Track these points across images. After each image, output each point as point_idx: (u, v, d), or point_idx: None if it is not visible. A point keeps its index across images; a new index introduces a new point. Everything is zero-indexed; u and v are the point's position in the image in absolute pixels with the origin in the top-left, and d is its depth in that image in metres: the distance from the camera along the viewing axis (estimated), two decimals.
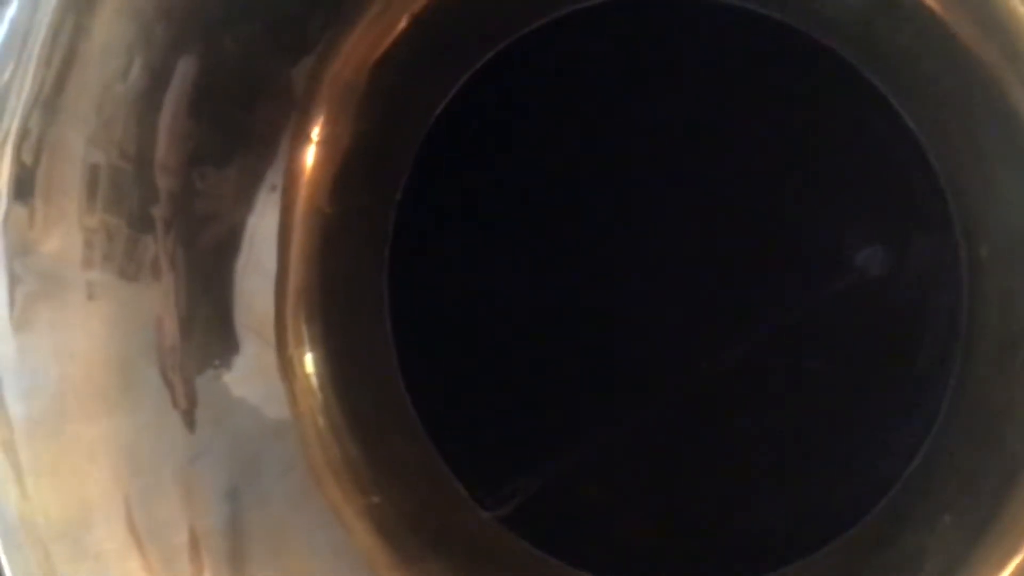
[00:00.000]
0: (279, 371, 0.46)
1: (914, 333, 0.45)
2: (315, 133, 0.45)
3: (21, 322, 0.39)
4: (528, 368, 0.51)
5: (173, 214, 0.42)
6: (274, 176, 0.45)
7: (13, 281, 0.39)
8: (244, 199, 0.44)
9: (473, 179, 0.50)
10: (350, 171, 0.46)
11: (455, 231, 0.50)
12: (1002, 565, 0.33)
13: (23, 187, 0.39)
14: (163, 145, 0.41)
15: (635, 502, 0.50)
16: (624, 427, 0.50)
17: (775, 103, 0.48)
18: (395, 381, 0.49)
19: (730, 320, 0.50)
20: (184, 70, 0.40)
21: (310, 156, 0.46)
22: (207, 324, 0.43)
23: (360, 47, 0.45)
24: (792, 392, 0.49)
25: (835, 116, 0.45)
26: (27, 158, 0.38)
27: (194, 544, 0.41)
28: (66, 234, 0.40)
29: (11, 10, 0.38)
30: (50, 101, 0.38)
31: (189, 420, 0.42)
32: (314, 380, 0.47)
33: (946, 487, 0.38)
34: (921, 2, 0.34)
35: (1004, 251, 0.36)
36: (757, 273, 0.49)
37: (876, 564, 0.39)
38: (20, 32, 0.37)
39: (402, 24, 0.45)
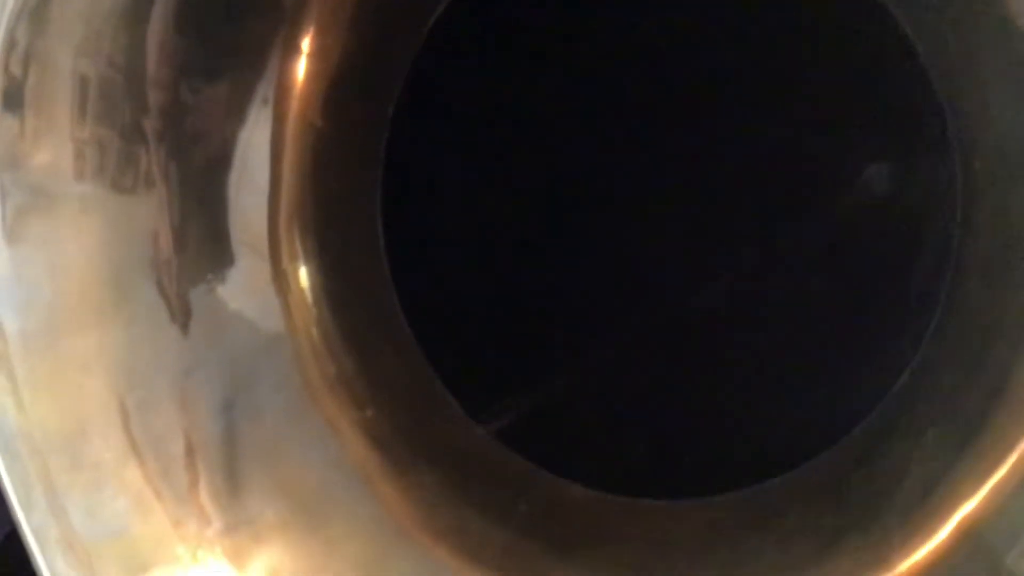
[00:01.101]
0: (273, 285, 0.45)
1: (910, 250, 0.44)
2: (306, 46, 0.44)
3: (13, 236, 0.39)
4: (523, 284, 0.51)
5: (165, 127, 0.41)
6: (265, 89, 0.44)
7: (3, 195, 0.39)
8: (235, 113, 0.44)
9: (467, 94, 0.49)
10: (342, 85, 0.45)
11: (449, 146, 0.50)
12: (984, 479, 0.33)
13: (12, 99, 0.38)
14: (152, 57, 0.40)
15: (627, 417, 0.50)
16: (618, 343, 0.50)
17: (772, 16, 0.46)
18: (389, 295, 0.48)
19: (726, 239, 0.49)
20: None
21: (301, 69, 0.45)
22: (201, 237, 0.43)
23: None
24: (785, 310, 0.49)
25: (834, 28, 0.44)
26: (15, 70, 0.38)
27: (190, 454, 0.42)
28: (57, 146, 0.39)
29: None
30: (37, 12, 0.37)
31: (184, 333, 0.42)
32: (308, 294, 0.46)
33: (932, 402, 0.38)
34: None
35: (997, 167, 0.35)
36: (754, 191, 0.48)
37: (863, 475, 0.39)
38: None
39: None
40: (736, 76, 0.48)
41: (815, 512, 0.39)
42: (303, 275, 0.46)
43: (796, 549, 0.38)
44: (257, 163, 0.45)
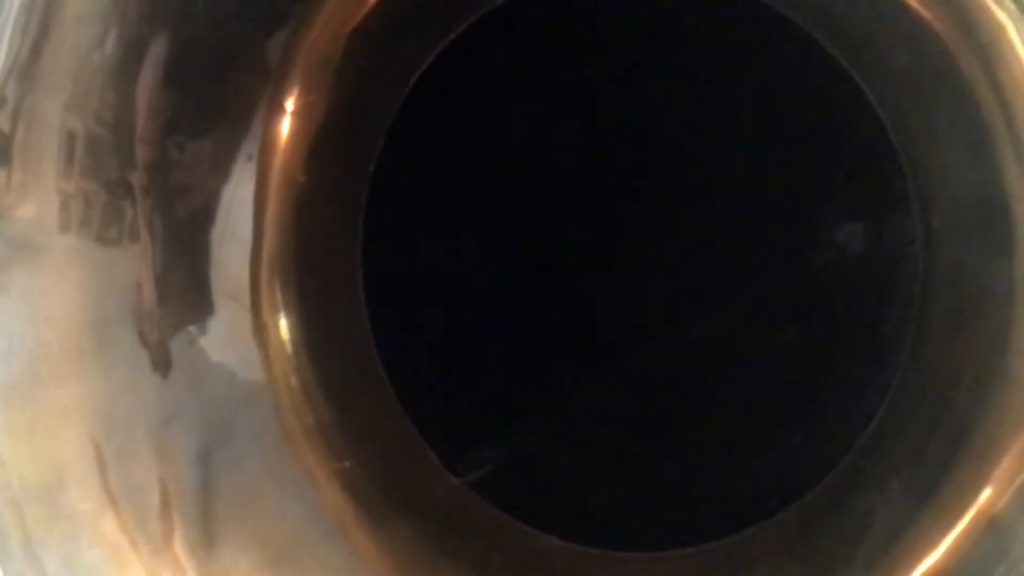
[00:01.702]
0: (254, 336, 0.46)
1: (873, 303, 0.45)
2: (290, 103, 0.45)
3: None
4: (499, 336, 0.51)
5: (150, 181, 0.42)
6: (249, 146, 0.45)
7: None
8: (220, 168, 0.44)
9: (446, 149, 0.50)
10: (325, 141, 0.46)
11: (427, 200, 0.50)
12: (946, 529, 0.33)
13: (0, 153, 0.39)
14: (139, 114, 0.41)
15: (601, 469, 0.50)
16: (592, 396, 0.50)
17: (742, 77, 0.47)
18: (368, 347, 0.49)
19: (700, 294, 0.50)
20: (159, 40, 0.40)
21: (285, 126, 0.46)
22: (183, 289, 0.43)
23: (334, 18, 0.45)
24: (756, 361, 0.49)
25: (800, 90, 0.45)
26: (3, 125, 0.38)
27: (166, 504, 0.41)
28: (42, 199, 0.40)
29: None
30: (26, 69, 0.38)
31: (163, 382, 0.43)
32: (288, 345, 0.47)
33: (896, 453, 0.38)
34: None
35: (954, 223, 0.36)
36: (728, 249, 0.49)
37: (830, 525, 0.39)
38: None
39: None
40: (711, 141, 0.49)
41: (786, 561, 0.39)
42: (283, 326, 0.47)
43: None
44: (240, 217, 0.45)
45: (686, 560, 0.43)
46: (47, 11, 0.38)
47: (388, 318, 0.48)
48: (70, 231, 0.40)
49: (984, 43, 0.31)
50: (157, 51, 0.40)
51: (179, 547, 0.41)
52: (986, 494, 0.32)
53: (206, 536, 0.41)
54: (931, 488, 0.33)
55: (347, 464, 0.46)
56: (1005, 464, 0.31)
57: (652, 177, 0.50)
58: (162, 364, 0.43)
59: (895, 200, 0.39)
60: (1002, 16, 0.30)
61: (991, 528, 0.31)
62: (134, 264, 0.42)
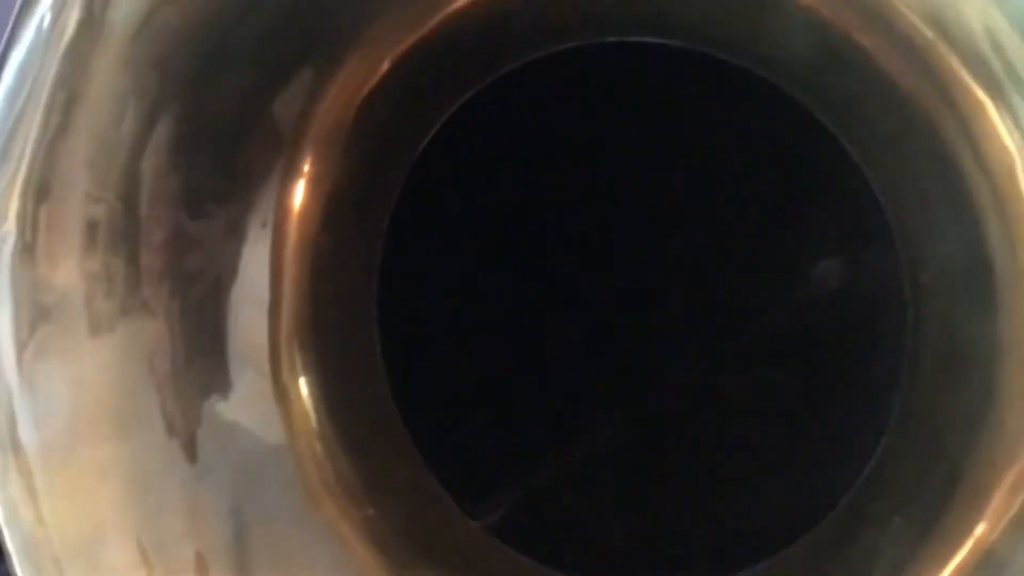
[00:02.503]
0: (274, 397, 0.46)
1: (866, 349, 0.47)
2: (304, 171, 0.46)
3: (34, 353, 0.40)
4: (511, 386, 0.53)
5: (169, 254, 0.43)
6: (265, 214, 0.46)
7: (23, 314, 0.40)
8: (235, 237, 0.45)
9: (456, 209, 0.52)
10: (339, 205, 0.48)
11: (440, 257, 0.52)
12: (946, 561, 0.35)
13: (30, 227, 0.40)
14: (155, 188, 0.42)
15: (613, 508, 0.52)
16: (601, 439, 0.52)
17: (736, 142, 0.50)
18: (386, 401, 0.50)
19: (700, 336, 0.52)
20: (175, 115, 0.41)
21: (299, 193, 0.47)
22: (204, 355, 0.44)
23: (347, 87, 0.46)
24: (757, 402, 0.51)
25: (790, 154, 0.48)
26: (32, 199, 0.40)
27: (201, 558, 0.43)
28: (70, 272, 0.41)
29: (19, 54, 0.39)
30: (54, 144, 0.40)
31: (191, 444, 0.44)
32: (308, 403, 0.48)
33: (896, 490, 0.40)
34: (863, 51, 0.36)
35: (942, 279, 0.37)
36: (722, 297, 0.51)
37: (836, 561, 0.40)
38: (29, 76, 0.39)
39: (385, 66, 0.46)
40: (707, 203, 0.51)
41: None
42: (303, 385, 0.48)
43: None
44: (257, 282, 0.46)
45: None
46: (74, 88, 0.39)
47: (404, 372, 0.50)
48: (97, 302, 0.41)
49: (965, 116, 0.33)
50: (174, 125, 0.41)
51: None
52: (981, 528, 0.34)
53: None
54: (930, 524, 0.35)
55: (370, 513, 0.47)
56: (997, 500, 0.33)
57: (651, 234, 0.52)
58: (188, 426, 0.44)
59: (884, 259, 0.41)
60: (981, 94, 0.32)
61: (986, 559, 0.33)
62: (155, 334, 0.43)
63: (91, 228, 0.41)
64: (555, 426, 0.53)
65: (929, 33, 0.33)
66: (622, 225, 0.53)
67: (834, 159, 0.40)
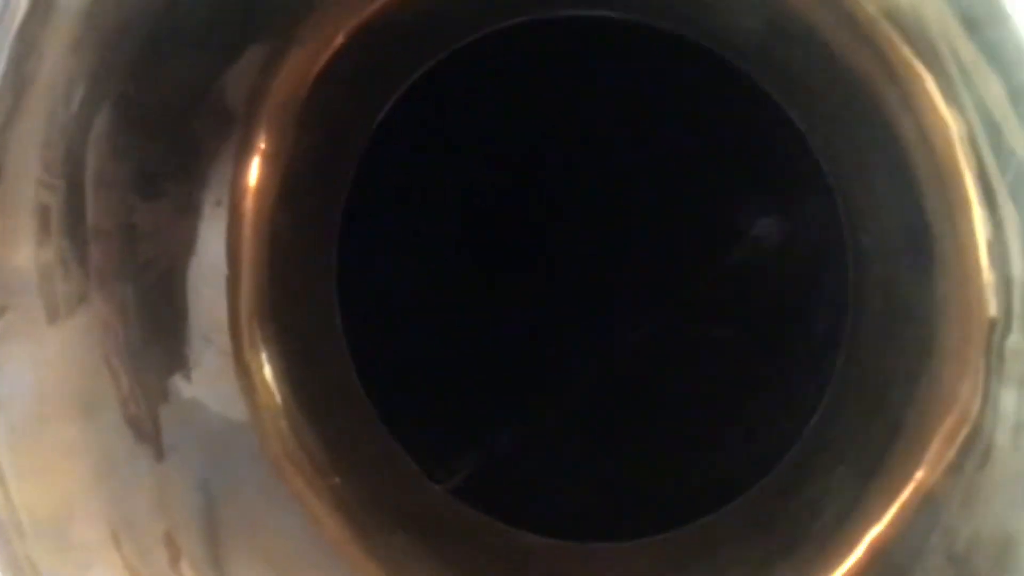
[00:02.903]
0: (236, 373, 0.47)
1: (809, 307, 0.49)
2: (259, 149, 0.46)
3: None
4: (468, 354, 0.54)
5: (123, 236, 0.42)
6: (219, 192, 0.46)
7: None
8: (191, 217, 0.45)
9: (412, 182, 0.52)
10: (296, 181, 0.48)
11: (398, 230, 0.53)
12: (887, 507, 0.36)
13: None
14: (107, 170, 0.41)
15: (570, 468, 0.53)
16: (555, 403, 0.53)
17: (685, 113, 0.51)
18: (348, 372, 0.50)
19: (649, 299, 0.53)
20: (125, 96, 0.41)
21: (254, 171, 0.46)
22: (163, 334, 0.44)
23: (299, 66, 0.46)
24: (705, 360, 0.53)
25: (738, 122, 0.49)
26: None
27: (169, 535, 0.43)
28: (27, 256, 0.40)
29: None
30: (5, 127, 0.39)
31: (155, 422, 0.44)
32: (270, 378, 0.48)
33: (840, 442, 0.42)
34: (809, 26, 0.37)
35: (883, 243, 0.39)
36: (673, 261, 0.53)
37: (783, 511, 0.42)
38: None
39: (338, 41, 0.46)
40: (654, 161, 0.52)
41: (746, 544, 0.42)
42: (264, 360, 0.48)
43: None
44: (215, 260, 0.46)
45: (654, 546, 0.46)
46: (23, 74, 0.39)
47: (364, 342, 0.50)
48: (55, 283, 0.41)
49: (907, 89, 0.34)
50: (122, 106, 0.41)
51: (186, 569, 0.43)
52: (919, 474, 0.35)
53: (213, 555, 0.43)
54: (872, 471, 0.37)
55: (335, 482, 0.48)
56: (934, 448, 0.35)
57: (600, 201, 0.53)
58: (151, 404, 0.44)
59: (827, 223, 0.42)
60: (921, 68, 0.34)
61: (925, 502, 0.35)
62: (115, 314, 0.43)
63: (44, 213, 0.40)
64: (512, 391, 0.54)
65: (872, 8, 0.34)
66: (572, 194, 0.54)
67: (779, 128, 0.42)
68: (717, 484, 0.46)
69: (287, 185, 0.48)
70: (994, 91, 0.31)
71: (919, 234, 0.35)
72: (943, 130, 0.33)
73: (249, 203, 0.47)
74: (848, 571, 0.36)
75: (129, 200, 0.42)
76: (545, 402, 0.54)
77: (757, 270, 0.52)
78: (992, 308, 0.33)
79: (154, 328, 0.44)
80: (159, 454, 0.44)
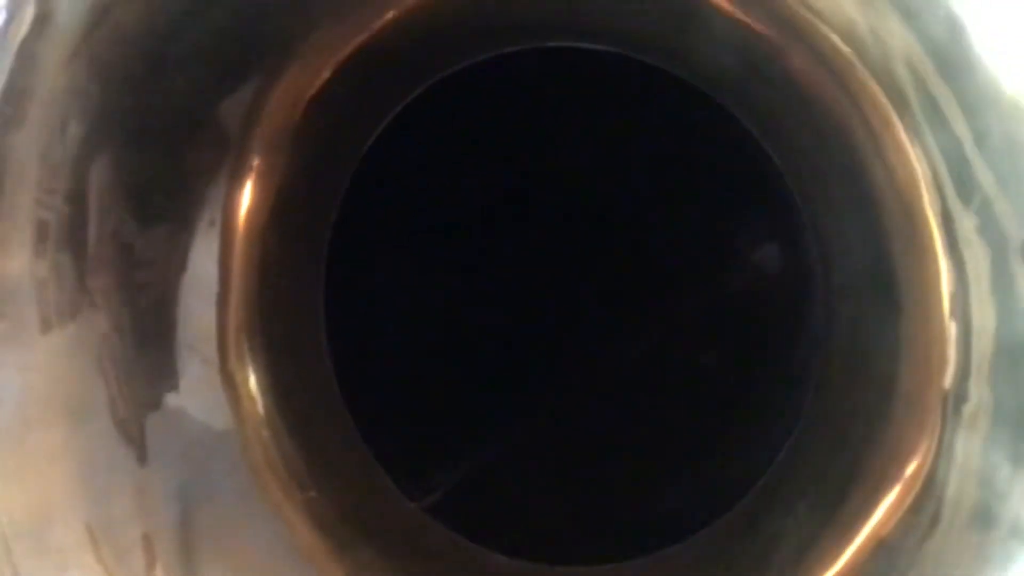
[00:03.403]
0: (222, 384, 0.47)
1: (783, 342, 0.49)
2: (252, 170, 0.47)
3: None
4: (450, 374, 0.55)
5: (118, 251, 0.43)
6: (213, 212, 0.46)
7: None
8: (185, 235, 0.45)
9: (401, 205, 0.53)
10: (287, 202, 0.48)
11: (385, 252, 0.53)
12: (844, 548, 0.37)
13: None
14: (104, 187, 0.42)
15: (542, 492, 0.54)
16: (534, 424, 0.54)
17: (668, 147, 0.51)
18: (330, 387, 0.51)
19: (628, 330, 0.54)
20: (123, 115, 0.41)
21: (247, 191, 0.47)
22: (153, 346, 0.45)
23: (293, 87, 0.47)
24: (679, 392, 0.53)
25: (719, 158, 0.49)
26: None
27: (147, 537, 0.43)
28: (22, 265, 0.41)
29: None
30: (6, 137, 0.40)
31: (140, 430, 0.44)
32: (255, 390, 0.48)
33: (803, 478, 0.42)
34: (783, 67, 0.38)
35: (852, 283, 0.40)
36: (651, 292, 0.53)
37: (745, 544, 0.42)
38: None
39: (331, 68, 0.47)
40: (640, 202, 0.53)
41: (708, 574, 0.43)
42: (250, 372, 0.48)
43: None
44: (206, 276, 0.46)
45: (621, 573, 0.46)
46: (20, 99, 0.39)
47: (349, 361, 0.51)
48: (48, 293, 0.42)
49: (876, 133, 0.34)
50: (119, 124, 0.41)
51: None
52: (876, 518, 0.36)
53: (186, 566, 0.43)
54: (832, 511, 0.37)
55: (312, 495, 0.48)
56: (892, 492, 0.35)
57: (583, 229, 0.54)
58: (137, 412, 0.44)
59: (802, 261, 0.43)
60: (892, 113, 0.34)
61: (880, 547, 0.35)
62: (105, 326, 0.43)
63: (42, 225, 0.41)
64: (491, 413, 0.55)
65: (847, 50, 0.35)
66: (555, 219, 0.54)
67: (759, 165, 0.42)
68: (685, 514, 0.47)
69: (278, 205, 0.48)
70: (960, 134, 0.31)
71: (885, 276, 0.35)
72: (909, 172, 0.33)
73: (241, 222, 0.48)
74: None
75: (125, 218, 0.43)
76: (522, 426, 0.54)
77: (733, 306, 0.53)
78: (951, 355, 0.33)
79: (144, 339, 0.45)
80: (142, 459, 0.44)
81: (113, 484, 0.43)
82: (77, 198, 0.42)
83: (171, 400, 0.46)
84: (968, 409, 0.32)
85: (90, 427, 0.43)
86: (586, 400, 0.54)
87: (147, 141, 0.43)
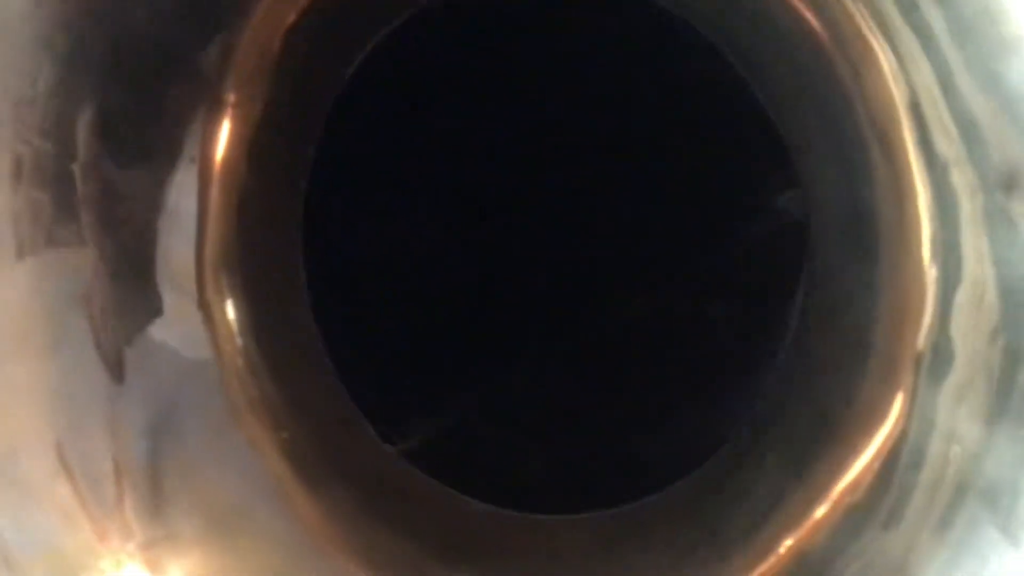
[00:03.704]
0: (201, 319, 0.47)
1: (761, 301, 0.47)
2: (229, 105, 0.46)
3: None
4: (431, 316, 0.54)
5: (96, 189, 0.43)
6: (191, 148, 0.46)
7: None
8: (165, 171, 0.45)
9: (381, 139, 0.51)
10: (264, 135, 0.48)
11: (364, 188, 0.52)
12: (813, 507, 0.35)
13: None
14: (80, 124, 0.41)
15: (522, 441, 0.53)
16: (514, 374, 0.53)
17: (653, 83, 0.49)
18: (309, 326, 0.50)
19: (608, 277, 0.52)
20: (96, 50, 0.41)
21: (225, 124, 0.46)
22: (132, 279, 0.45)
23: (270, 18, 0.46)
24: (659, 341, 0.52)
25: (698, 94, 0.47)
26: None
27: (117, 473, 0.43)
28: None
29: None
30: None
31: (114, 364, 0.44)
32: (233, 325, 0.48)
33: (774, 432, 0.41)
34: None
35: (830, 231, 0.38)
36: (631, 239, 0.52)
37: (716, 496, 0.41)
38: None
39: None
40: (622, 136, 0.51)
41: (676, 527, 0.42)
42: (229, 308, 0.48)
43: (657, 559, 0.41)
44: (185, 212, 0.46)
45: (596, 522, 0.45)
46: None
47: (328, 299, 0.50)
48: (23, 229, 0.42)
49: (857, 65, 0.32)
50: (94, 62, 0.41)
51: (129, 512, 0.43)
52: (846, 478, 0.34)
53: (154, 502, 0.43)
54: (801, 466, 0.36)
55: (289, 435, 0.48)
56: (863, 451, 0.33)
57: (565, 170, 0.52)
58: (111, 347, 0.44)
59: (786, 204, 0.41)
60: (872, 40, 0.32)
61: (849, 510, 0.34)
62: (82, 261, 0.43)
63: (16, 164, 0.40)
64: (472, 361, 0.54)
65: None
66: (542, 158, 0.53)
67: (742, 105, 0.40)
68: (659, 467, 0.46)
69: (256, 140, 0.48)
70: (948, 60, 0.29)
71: (864, 223, 0.33)
72: (890, 106, 0.31)
73: (218, 158, 0.47)
74: (768, 565, 0.35)
75: (103, 157, 0.43)
76: (503, 375, 0.53)
77: (713, 255, 0.51)
78: (928, 306, 0.31)
79: (122, 273, 0.45)
80: (113, 396, 0.44)
81: (85, 418, 0.43)
82: (52, 138, 0.41)
83: (150, 332, 0.45)
84: (942, 366, 0.30)
85: (62, 361, 0.43)
86: (571, 350, 0.53)
87: (122, 78, 0.42)
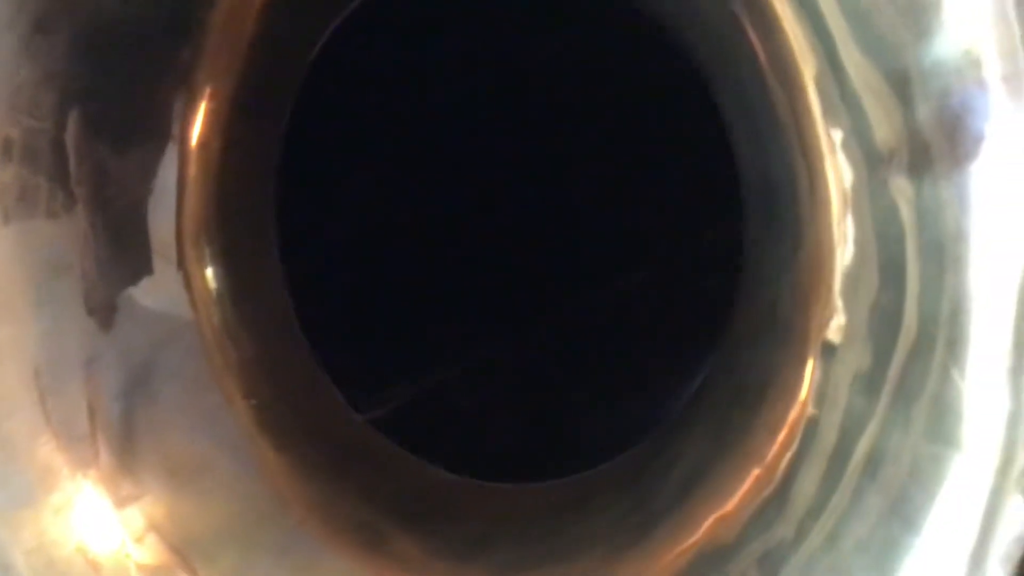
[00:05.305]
0: (181, 285, 0.50)
1: (704, 266, 0.48)
2: (204, 84, 0.48)
3: None
4: (406, 286, 0.55)
5: (81, 171, 0.45)
6: (171, 127, 0.48)
7: None
8: (148, 151, 0.48)
9: (352, 111, 0.53)
10: (238, 108, 0.49)
11: (337, 157, 0.54)
12: (736, 484, 0.36)
13: None
14: (67, 107, 0.44)
15: (485, 413, 0.55)
16: (481, 351, 0.55)
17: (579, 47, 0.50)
18: (282, 294, 0.52)
19: (566, 251, 0.54)
20: (73, 28, 0.43)
21: (201, 102, 0.48)
22: (115, 246, 0.47)
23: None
24: (610, 316, 0.53)
25: (630, 60, 0.48)
26: None
27: (92, 432, 0.45)
28: None
29: None
30: None
31: (91, 328, 0.47)
32: (211, 292, 0.50)
33: (705, 404, 0.42)
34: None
35: (752, 202, 0.39)
36: (581, 214, 0.53)
37: (652, 466, 0.43)
38: None
39: None
40: (576, 115, 0.52)
41: (616, 496, 0.43)
42: (207, 276, 0.50)
43: (596, 525, 0.42)
44: (166, 186, 0.48)
45: (545, 490, 0.47)
46: None
47: (301, 267, 0.52)
48: (9, 200, 0.44)
49: (769, 28, 0.33)
50: (72, 39, 0.43)
51: (102, 470, 0.45)
52: (762, 454, 0.35)
53: (125, 461, 0.46)
54: (722, 439, 0.37)
55: (261, 398, 0.50)
56: (778, 429, 0.34)
57: (537, 138, 0.53)
58: (93, 312, 0.46)
59: (723, 178, 0.42)
60: (779, 10, 0.32)
61: (757, 482, 0.35)
62: (70, 229, 0.45)
63: (6, 144, 0.43)
64: (446, 329, 0.55)
65: None
66: (506, 133, 0.54)
67: (677, 65, 0.41)
68: (605, 440, 0.47)
69: (230, 112, 0.49)
70: (834, 30, 0.29)
71: (779, 195, 0.34)
72: (797, 74, 0.32)
73: (195, 132, 0.49)
74: (686, 529, 0.37)
75: (87, 136, 0.45)
76: (468, 348, 0.55)
77: (655, 232, 0.52)
78: (836, 279, 0.32)
79: (105, 241, 0.47)
80: (91, 358, 0.47)
81: (63, 380, 0.46)
82: (39, 117, 0.43)
83: (132, 296, 0.48)
84: (838, 339, 0.32)
85: (43, 324, 0.46)
86: (523, 333, 0.54)
87: (99, 53, 0.44)
